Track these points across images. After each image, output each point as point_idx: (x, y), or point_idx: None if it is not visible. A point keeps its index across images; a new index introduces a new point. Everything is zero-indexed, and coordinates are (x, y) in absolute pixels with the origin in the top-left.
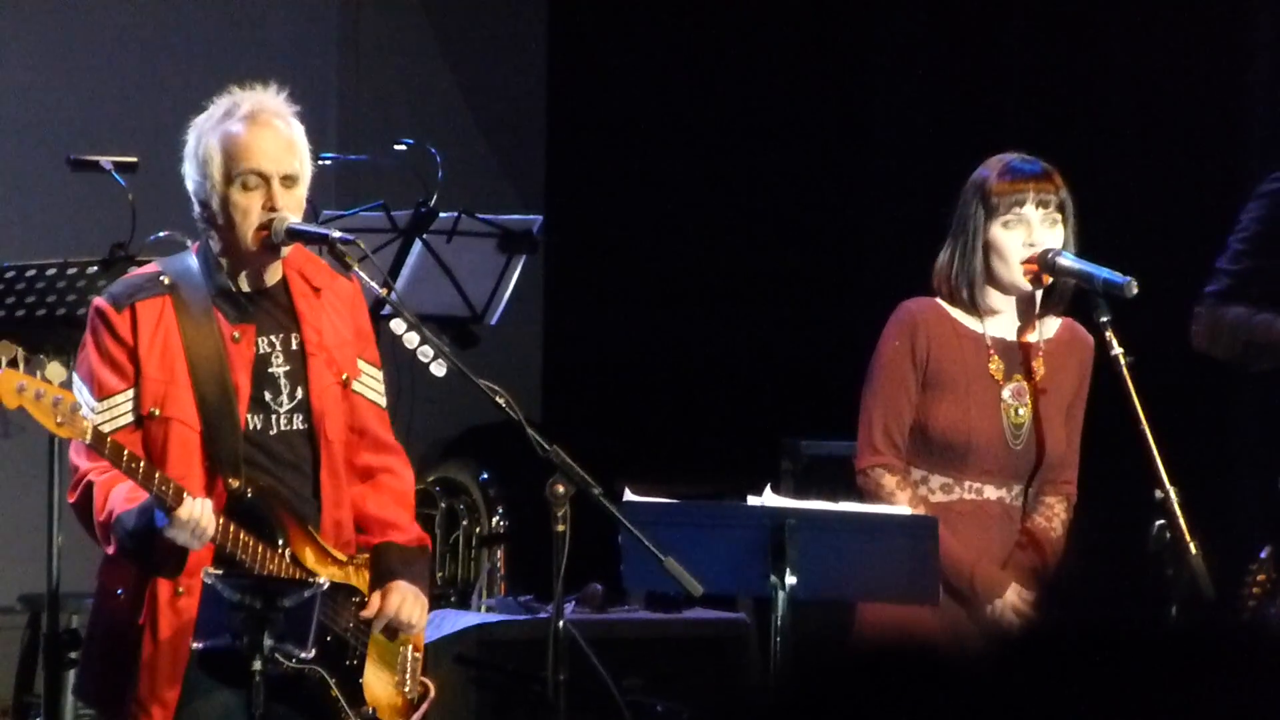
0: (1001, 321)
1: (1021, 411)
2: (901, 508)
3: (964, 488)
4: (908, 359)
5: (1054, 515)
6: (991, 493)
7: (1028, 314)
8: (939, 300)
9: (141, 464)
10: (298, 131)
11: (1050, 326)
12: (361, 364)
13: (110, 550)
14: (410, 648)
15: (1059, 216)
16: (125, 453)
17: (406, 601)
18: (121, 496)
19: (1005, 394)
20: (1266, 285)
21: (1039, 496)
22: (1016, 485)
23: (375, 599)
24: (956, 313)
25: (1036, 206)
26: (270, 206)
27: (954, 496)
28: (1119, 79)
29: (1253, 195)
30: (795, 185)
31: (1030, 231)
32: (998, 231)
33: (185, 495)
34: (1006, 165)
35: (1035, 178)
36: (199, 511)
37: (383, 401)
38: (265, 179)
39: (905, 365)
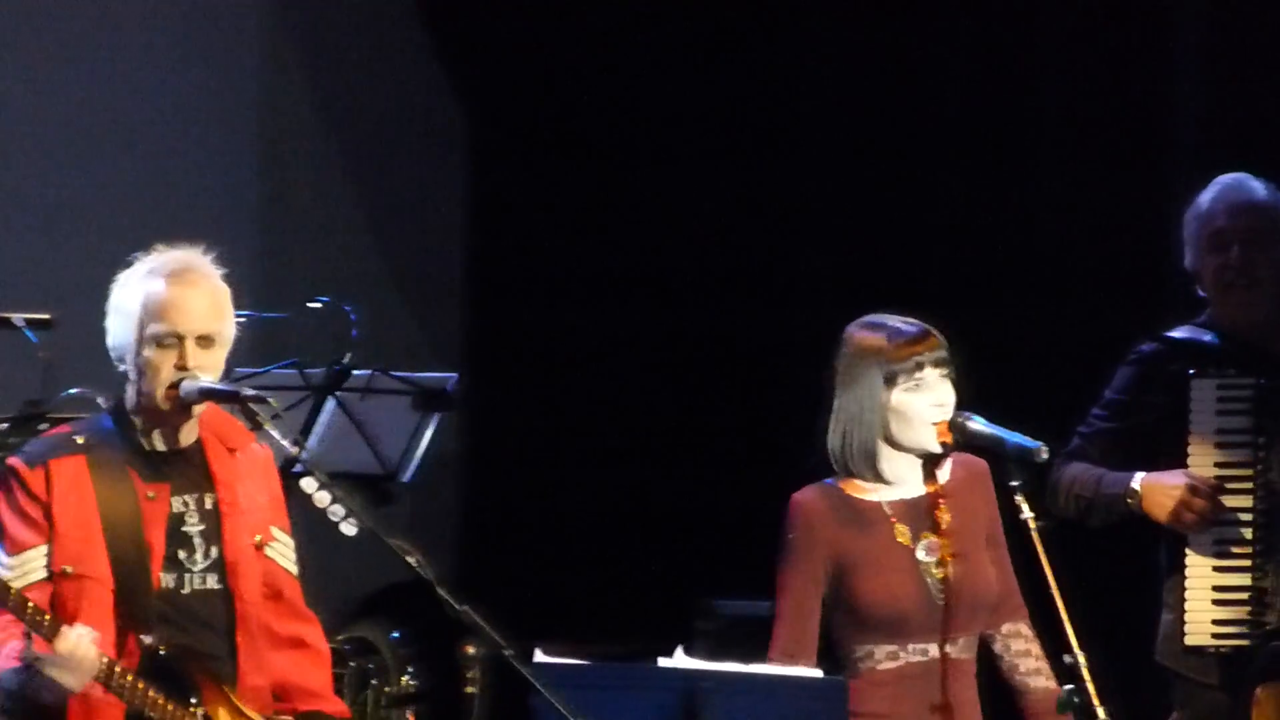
0: (903, 485)
1: (941, 566)
2: (813, 670)
3: (909, 651)
4: (806, 556)
5: (1025, 640)
6: (936, 650)
7: (928, 469)
8: (829, 482)
9: (47, 618)
10: (222, 293)
11: (945, 470)
12: (275, 530)
13: None
14: None
15: (949, 370)
16: (30, 605)
17: None
18: (5, 655)
19: (920, 554)
20: (1108, 445)
21: (998, 633)
22: (962, 637)
23: None
24: (851, 488)
25: (934, 366)
26: (182, 366)
27: (901, 661)
28: (1034, 238)
29: (1123, 360)
30: (716, 344)
31: (933, 392)
32: (901, 397)
33: (63, 627)
34: (894, 330)
35: (925, 338)
36: (74, 640)
37: (295, 570)
38: (180, 338)
39: (805, 562)
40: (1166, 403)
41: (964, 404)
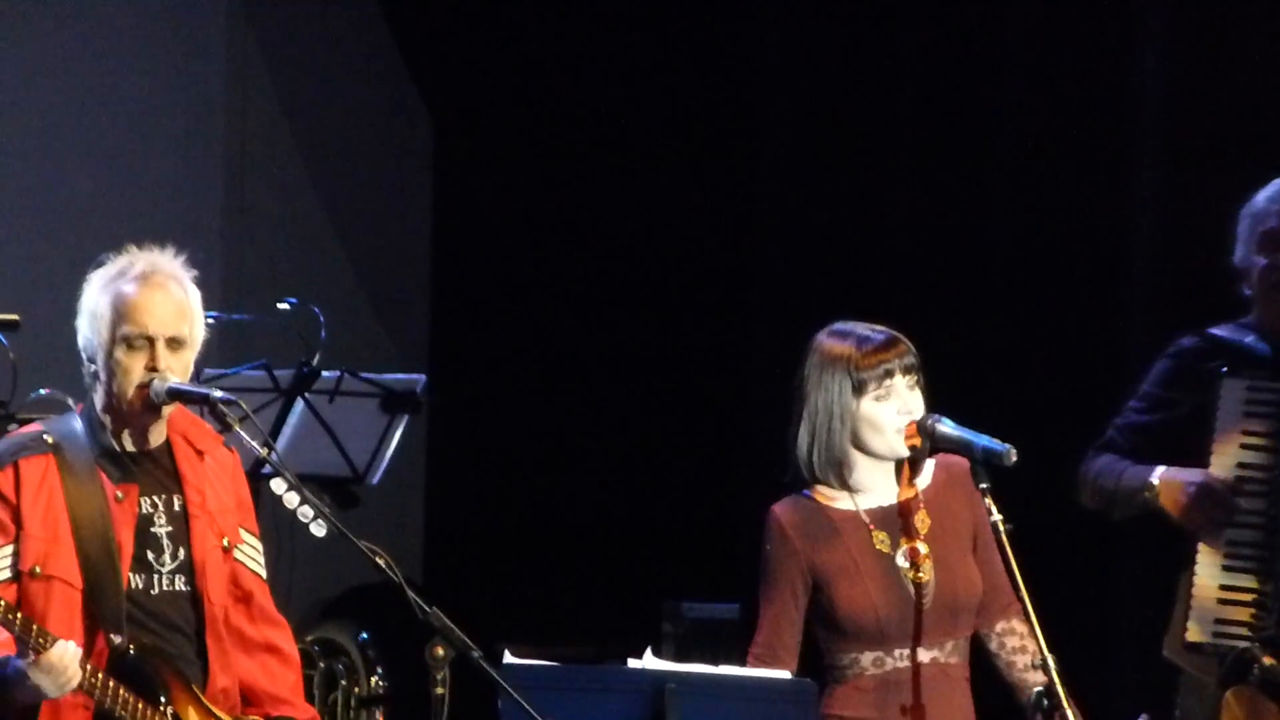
0: (876, 492)
1: (922, 571)
2: (781, 672)
3: (895, 656)
4: (784, 568)
5: (1020, 636)
6: (924, 655)
7: (901, 474)
8: (806, 493)
9: (19, 616)
10: (192, 296)
11: (926, 473)
12: (243, 533)
13: None
14: None
15: (917, 378)
16: (2, 603)
17: None
18: None
19: (899, 560)
20: (1139, 439)
21: (992, 632)
22: (949, 641)
23: None
24: (827, 498)
25: (903, 374)
26: (152, 367)
27: (888, 667)
28: (1001, 242)
29: (1162, 353)
30: (680, 350)
31: (902, 400)
32: (869, 406)
33: (56, 640)
34: (862, 338)
35: (894, 345)
36: (69, 656)
37: (263, 573)
38: (150, 340)
39: (783, 573)
40: (1197, 399)
41: (932, 407)
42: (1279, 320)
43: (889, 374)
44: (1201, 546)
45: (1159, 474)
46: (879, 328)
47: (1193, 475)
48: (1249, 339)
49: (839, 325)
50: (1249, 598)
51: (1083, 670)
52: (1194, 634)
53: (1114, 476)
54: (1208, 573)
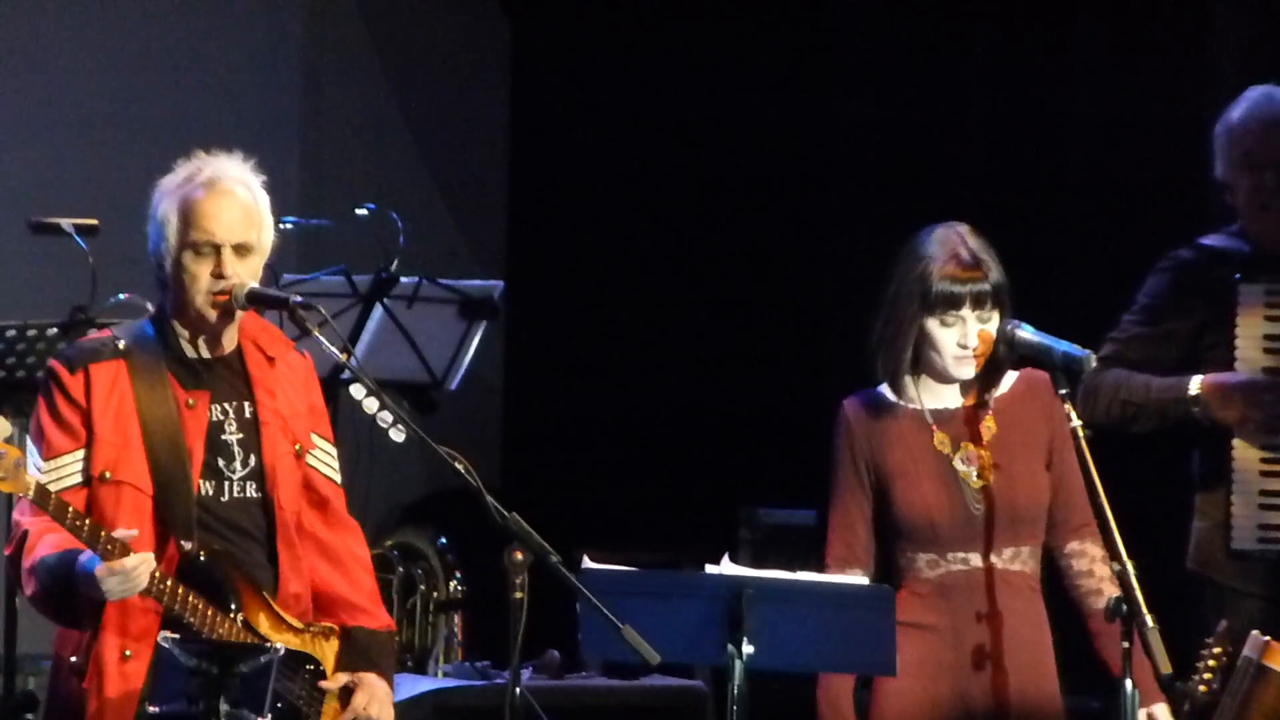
0: (942, 393)
1: (981, 476)
2: (860, 578)
3: (949, 559)
4: (850, 463)
5: (1090, 559)
6: (979, 560)
7: (970, 381)
8: (878, 389)
9: (87, 522)
10: (260, 200)
11: (1006, 382)
12: (315, 438)
13: (30, 594)
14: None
15: (993, 312)
16: (70, 510)
17: (375, 698)
18: (49, 543)
19: (958, 463)
20: (1147, 351)
21: (1062, 550)
22: (1009, 549)
23: (341, 678)
24: (896, 393)
25: (972, 305)
26: (219, 274)
27: (942, 570)
28: (1077, 152)
29: (1152, 270)
30: (757, 253)
31: (965, 332)
32: (934, 326)
33: (130, 550)
34: (949, 252)
35: (970, 270)
36: (144, 569)
37: (338, 478)
38: (217, 248)
39: (849, 469)
40: (1207, 309)
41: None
42: (1268, 234)
43: (956, 305)
44: (1236, 455)
45: (1197, 382)
46: (972, 243)
47: (1234, 377)
48: (1245, 248)
49: (943, 228)
50: None
51: (1159, 577)
52: (1239, 541)
53: (1140, 389)
54: (1246, 479)
